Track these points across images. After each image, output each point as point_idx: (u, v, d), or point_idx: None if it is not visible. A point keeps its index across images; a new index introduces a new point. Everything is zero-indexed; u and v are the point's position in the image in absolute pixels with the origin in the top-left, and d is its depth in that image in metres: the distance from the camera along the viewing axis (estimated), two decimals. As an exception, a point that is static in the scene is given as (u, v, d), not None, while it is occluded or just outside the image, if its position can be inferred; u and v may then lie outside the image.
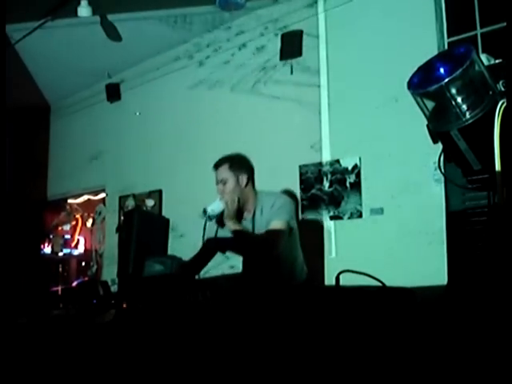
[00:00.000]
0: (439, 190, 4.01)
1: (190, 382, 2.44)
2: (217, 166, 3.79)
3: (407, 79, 2.60)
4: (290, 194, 4.79)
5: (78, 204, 8.46)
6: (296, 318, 2.23)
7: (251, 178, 3.85)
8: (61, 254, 8.32)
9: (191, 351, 2.51)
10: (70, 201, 8.48)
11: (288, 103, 5.51)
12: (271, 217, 3.58)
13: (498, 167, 2.20)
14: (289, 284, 3.60)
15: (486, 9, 4.31)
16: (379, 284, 2.34)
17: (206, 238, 3.75)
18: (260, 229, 3.63)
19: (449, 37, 4.56)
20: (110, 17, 5.41)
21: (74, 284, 6.80)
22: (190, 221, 4.47)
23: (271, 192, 3.89)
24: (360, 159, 4.88)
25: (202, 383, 2.39)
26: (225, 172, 3.75)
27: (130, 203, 6.92)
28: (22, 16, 5.31)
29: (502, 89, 2.34)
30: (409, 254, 4.40)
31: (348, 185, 4.94)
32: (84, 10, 5.01)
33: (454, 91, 2.33)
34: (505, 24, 2.43)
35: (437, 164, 2.71)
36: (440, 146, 2.65)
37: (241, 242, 3.64)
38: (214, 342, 2.45)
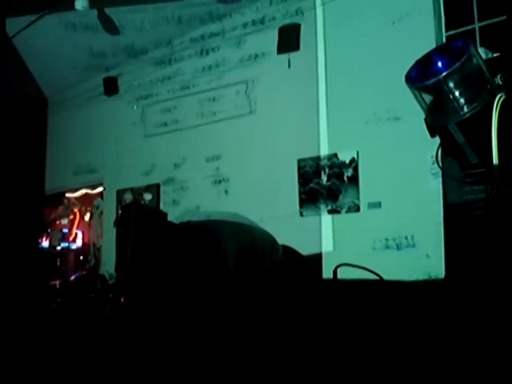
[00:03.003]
0: (437, 184, 4.01)
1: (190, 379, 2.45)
2: None
3: (405, 73, 2.61)
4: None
5: (75, 198, 8.42)
6: (294, 310, 2.24)
7: None
8: (59, 247, 8.29)
9: (190, 347, 2.52)
10: (67, 195, 8.45)
11: (286, 97, 5.50)
12: None
13: (495, 161, 2.20)
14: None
15: (484, 3, 4.31)
16: (377, 277, 2.35)
17: None
18: None
19: (447, 30, 4.56)
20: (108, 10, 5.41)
21: (72, 278, 6.81)
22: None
23: None
24: (357, 153, 4.88)
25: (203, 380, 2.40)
26: None
27: (128, 197, 6.91)
28: (19, 10, 5.29)
29: (500, 82, 2.34)
30: (406, 248, 4.40)
31: (346, 179, 4.94)
32: (81, 4, 5.00)
33: (451, 85, 2.33)
34: (503, 18, 2.43)
35: (434, 158, 2.71)
36: (438, 139, 2.65)
37: None
38: (211, 334, 2.46)
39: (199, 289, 3.09)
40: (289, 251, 3.94)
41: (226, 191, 5.90)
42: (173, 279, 3.31)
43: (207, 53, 6.24)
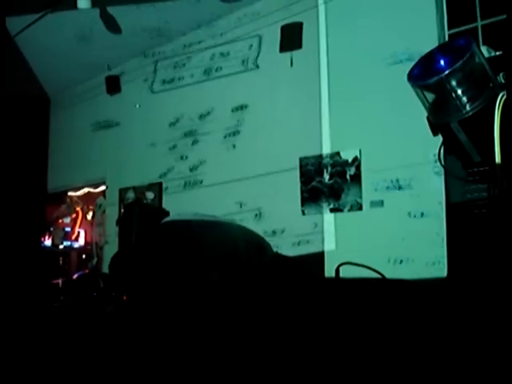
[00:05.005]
0: (439, 183, 4.01)
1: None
2: None
3: (407, 71, 2.60)
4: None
5: (78, 196, 8.45)
6: (296, 308, 2.24)
7: None
8: (61, 246, 8.31)
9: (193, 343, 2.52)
10: (70, 193, 8.48)
11: (288, 95, 5.50)
12: None
13: (497, 159, 2.20)
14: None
15: (487, 1, 4.30)
16: (379, 276, 2.35)
17: None
18: None
19: (449, 29, 4.54)
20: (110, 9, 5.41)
21: (75, 277, 6.83)
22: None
23: None
24: (360, 151, 4.87)
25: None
26: None
27: (130, 196, 6.91)
28: (21, 8, 5.30)
29: (503, 81, 2.34)
30: (409, 246, 4.40)
31: (348, 177, 4.94)
32: (83, 2, 4.99)
33: (454, 83, 2.33)
34: (505, 16, 2.43)
35: (437, 156, 2.71)
36: (440, 138, 2.65)
37: None
38: (214, 332, 2.46)
39: (180, 300, 3.04)
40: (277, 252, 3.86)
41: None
42: (153, 286, 3.21)
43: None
